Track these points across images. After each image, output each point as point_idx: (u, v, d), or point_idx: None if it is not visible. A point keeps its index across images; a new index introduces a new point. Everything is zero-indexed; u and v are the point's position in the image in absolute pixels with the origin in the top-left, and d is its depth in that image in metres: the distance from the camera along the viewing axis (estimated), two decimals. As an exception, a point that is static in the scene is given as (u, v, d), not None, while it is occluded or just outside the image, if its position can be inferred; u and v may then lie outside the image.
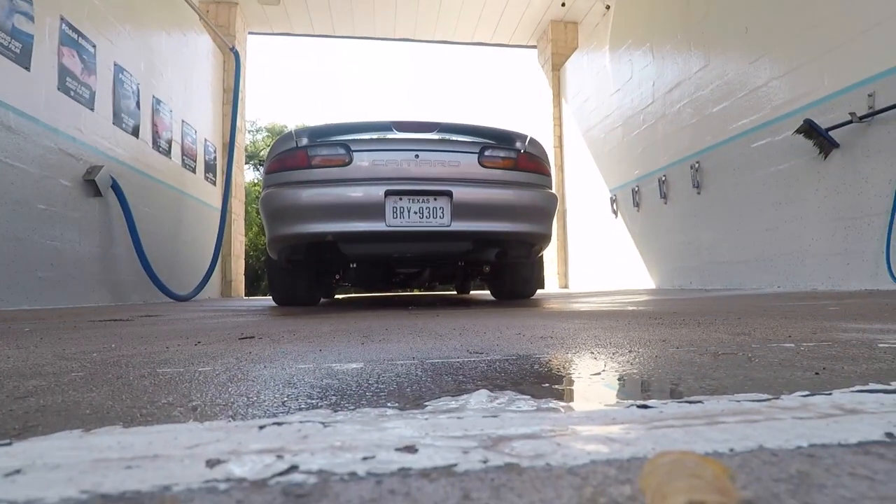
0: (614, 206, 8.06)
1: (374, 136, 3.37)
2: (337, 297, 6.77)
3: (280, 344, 1.37)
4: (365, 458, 0.45)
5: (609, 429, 0.53)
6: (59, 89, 4.37)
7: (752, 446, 0.46)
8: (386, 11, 9.55)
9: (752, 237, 5.12)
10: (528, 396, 0.68)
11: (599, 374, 0.87)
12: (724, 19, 5.53)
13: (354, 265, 3.81)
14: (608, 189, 8.28)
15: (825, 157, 4.25)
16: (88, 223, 4.76)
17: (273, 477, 0.41)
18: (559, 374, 0.88)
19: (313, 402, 0.69)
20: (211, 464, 0.44)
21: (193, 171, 7.46)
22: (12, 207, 3.83)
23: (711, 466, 0.33)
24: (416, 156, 3.18)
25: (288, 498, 0.37)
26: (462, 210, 3.17)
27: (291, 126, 19.81)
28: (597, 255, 8.79)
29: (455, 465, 0.43)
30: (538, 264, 4.38)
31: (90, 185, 4.72)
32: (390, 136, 3.37)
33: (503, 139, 3.42)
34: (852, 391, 0.67)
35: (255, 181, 19.99)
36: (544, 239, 3.54)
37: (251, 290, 14.04)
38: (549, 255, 10.06)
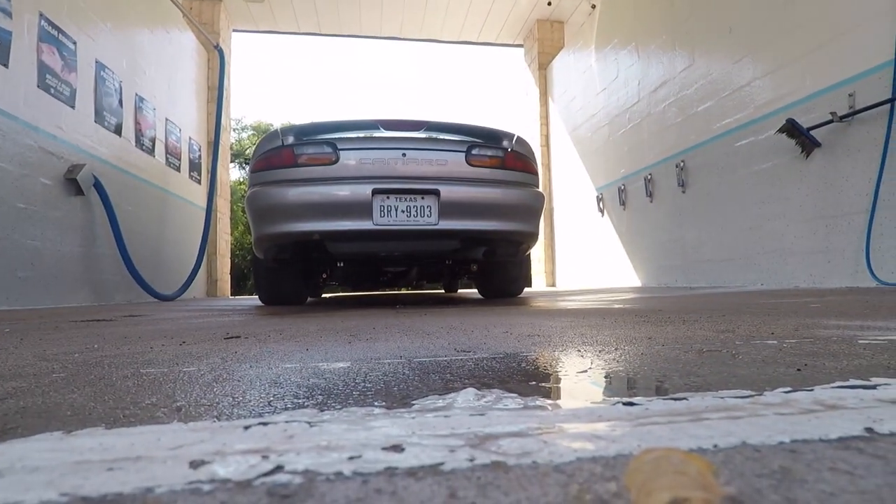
0: (601, 204, 8.11)
1: (361, 134, 3.35)
2: (324, 296, 6.75)
3: (266, 343, 1.36)
4: (351, 458, 0.45)
5: (595, 426, 0.53)
6: (38, 86, 4.29)
7: (736, 442, 0.46)
8: (372, 9, 9.51)
9: (736, 235, 5.18)
10: (515, 394, 0.69)
11: (586, 371, 0.88)
12: (709, 19, 5.59)
13: (342, 264, 3.79)
14: (595, 188, 8.33)
15: (807, 157, 4.31)
16: (70, 222, 4.69)
17: (258, 477, 0.41)
18: (546, 372, 0.88)
19: (299, 401, 0.68)
20: (195, 465, 0.44)
21: (178, 169, 7.38)
22: (-9, 206, 3.76)
23: (696, 463, 0.33)
24: (404, 154, 3.17)
25: (273, 498, 0.37)
26: (449, 209, 3.17)
27: (277, 124, 19.71)
28: (583, 254, 8.84)
29: (442, 463, 0.43)
30: (525, 263, 4.40)
31: (72, 183, 4.64)
32: (377, 134, 3.36)
33: (490, 138, 3.42)
34: (833, 387, 0.69)
35: (241, 179, 19.84)
36: (531, 237, 3.55)
37: (237, 289, 13.94)
38: (537, 253, 10.11)
